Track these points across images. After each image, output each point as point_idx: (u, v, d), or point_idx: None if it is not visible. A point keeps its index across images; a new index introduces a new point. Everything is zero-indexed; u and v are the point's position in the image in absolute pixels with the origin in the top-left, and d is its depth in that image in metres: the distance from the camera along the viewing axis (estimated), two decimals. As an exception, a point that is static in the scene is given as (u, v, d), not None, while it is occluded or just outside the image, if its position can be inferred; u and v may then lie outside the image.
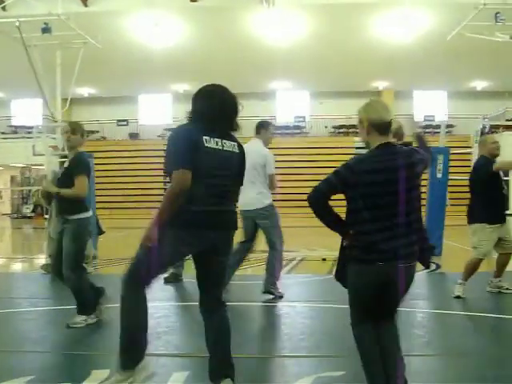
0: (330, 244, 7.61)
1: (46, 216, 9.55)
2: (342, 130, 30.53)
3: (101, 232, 11.18)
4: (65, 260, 5.32)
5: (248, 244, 6.99)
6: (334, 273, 3.48)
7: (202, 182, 3.35)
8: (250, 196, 6.54)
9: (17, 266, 11.14)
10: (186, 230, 3.36)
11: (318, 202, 3.27)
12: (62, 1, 15.89)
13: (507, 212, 6.82)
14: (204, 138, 3.38)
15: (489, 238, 6.54)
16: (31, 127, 25.16)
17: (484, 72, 27.42)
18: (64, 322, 5.37)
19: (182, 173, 3.28)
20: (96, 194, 12.11)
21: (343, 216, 3.27)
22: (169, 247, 3.38)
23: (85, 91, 30.76)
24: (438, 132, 15.90)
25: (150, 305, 3.60)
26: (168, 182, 3.51)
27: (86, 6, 21.27)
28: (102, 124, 31.10)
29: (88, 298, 5.46)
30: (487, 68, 26.07)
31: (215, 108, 3.47)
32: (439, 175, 10.64)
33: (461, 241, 6.86)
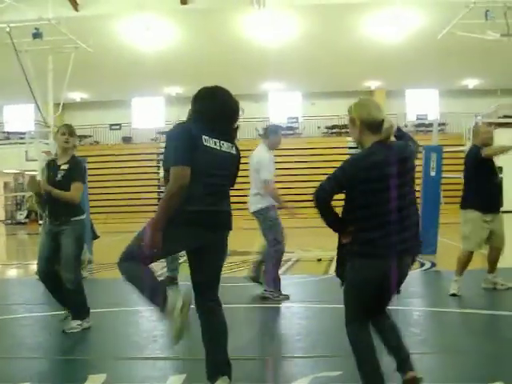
0: (324, 244, 7.64)
1: (41, 222, 9.53)
2: (334, 130, 30.58)
3: (95, 237, 11.16)
4: (66, 262, 5.32)
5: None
6: (334, 270, 3.49)
7: (199, 181, 3.34)
8: (249, 198, 6.86)
9: (12, 272, 11.10)
10: (180, 228, 3.34)
11: (325, 200, 3.25)
12: (53, 5, 15.88)
13: (504, 209, 6.83)
14: (203, 137, 3.38)
15: (478, 227, 6.54)
16: (24, 133, 25.14)
17: (475, 70, 27.52)
18: (59, 327, 5.36)
19: (181, 169, 3.27)
20: (90, 199, 12.09)
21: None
22: (163, 243, 3.30)
23: (77, 96, 30.71)
24: (431, 131, 15.93)
25: (145, 308, 3.60)
26: (163, 186, 3.50)
27: (76, 10, 21.22)
28: (94, 128, 31.06)
29: (84, 301, 5.46)
30: (479, 66, 26.17)
31: (215, 109, 3.49)
32: (433, 173, 10.67)
33: (455, 238, 6.88)
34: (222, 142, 3.49)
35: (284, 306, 6.55)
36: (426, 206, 10.46)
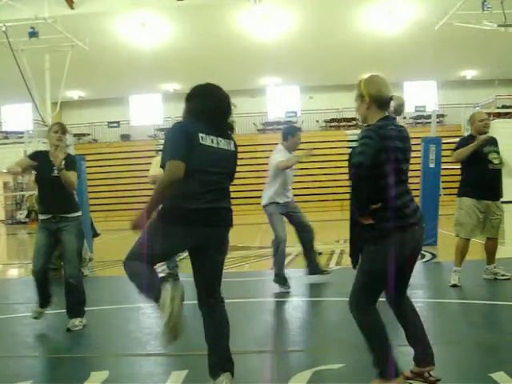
0: (325, 238, 7.65)
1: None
2: (333, 124, 30.57)
3: (96, 234, 11.16)
4: (71, 258, 5.38)
5: (301, 236, 7.38)
6: (352, 260, 3.48)
7: (197, 179, 3.35)
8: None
9: (13, 272, 11.10)
10: (180, 227, 3.35)
11: (364, 176, 3.16)
12: (49, 4, 15.86)
13: (504, 199, 6.79)
14: (200, 135, 3.39)
15: (471, 213, 6.55)
16: (22, 132, 25.13)
17: (473, 61, 27.51)
18: (60, 325, 5.36)
19: (175, 164, 3.27)
20: (90, 197, 12.09)
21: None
22: (163, 242, 3.36)
23: (74, 94, 30.69)
24: (429, 122, 15.94)
25: (146, 305, 3.60)
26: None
27: (72, 8, 21.19)
28: (92, 126, 31.05)
29: (85, 298, 5.51)
30: (476, 57, 26.17)
31: (210, 106, 3.50)
32: (432, 165, 10.66)
33: (456, 228, 6.86)
34: (219, 139, 3.49)
35: (285, 299, 6.56)
36: (425, 198, 10.45)
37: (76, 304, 5.42)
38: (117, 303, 6.41)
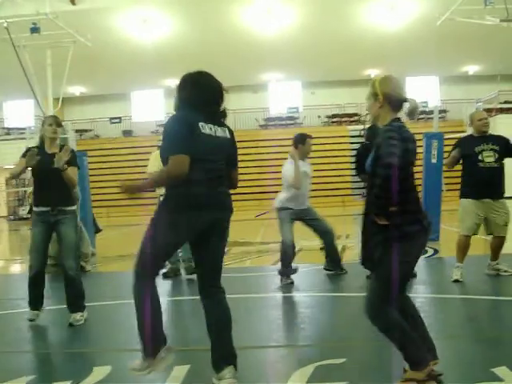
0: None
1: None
2: (335, 120, 30.54)
3: (98, 230, 11.19)
4: (69, 250, 5.40)
5: (322, 239, 7.54)
6: (363, 261, 3.45)
7: (199, 167, 3.39)
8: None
9: (15, 268, 11.13)
10: (185, 212, 3.40)
11: (394, 177, 3.11)
12: (50, 0, 15.81)
13: (508, 195, 6.79)
14: (199, 124, 3.42)
15: (469, 212, 6.60)
16: (24, 128, 25.14)
17: (475, 56, 27.45)
18: (62, 320, 5.38)
19: (179, 158, 3.30)
20: (92, 193, 12.10)
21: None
22: (169, 232, 3.42)
23: (76, 90, 30.69)
24: (432, 118, 15.91)
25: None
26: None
27: (73, 4, 21.18)
28: (94, 122, 31.06)
29: (84, 291, 5.52)
30: (478, 52, 26.10)
31: (206, 95, 3.53)
32: (434, 160, 10.66)
33: (457, 225, 6.87)
34: (215, 126, 3.53)
35: (288, 295, 6.58)
36: (427, 193, 10.45)
37: (76, 298, 5.43)
38: (119, 298, 6.41)
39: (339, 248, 7.98)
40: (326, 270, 7.58)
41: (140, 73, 26.78)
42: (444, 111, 28.13)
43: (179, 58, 25.36)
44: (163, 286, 7.03)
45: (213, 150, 3.49)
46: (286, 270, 7.16)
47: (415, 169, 3.40)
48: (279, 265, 7.31)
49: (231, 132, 3.70)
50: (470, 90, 28.63)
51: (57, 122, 5.53)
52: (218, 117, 3.60)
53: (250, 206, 25.38)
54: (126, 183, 3.49)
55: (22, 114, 30.67)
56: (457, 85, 30.32)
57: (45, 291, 5.58)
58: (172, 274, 7.70)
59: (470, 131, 7.10)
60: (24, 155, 5.34)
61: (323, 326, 5.25)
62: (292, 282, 7.07)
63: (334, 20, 23.05)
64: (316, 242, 10.17)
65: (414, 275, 6.52)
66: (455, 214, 6.86)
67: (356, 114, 29.19)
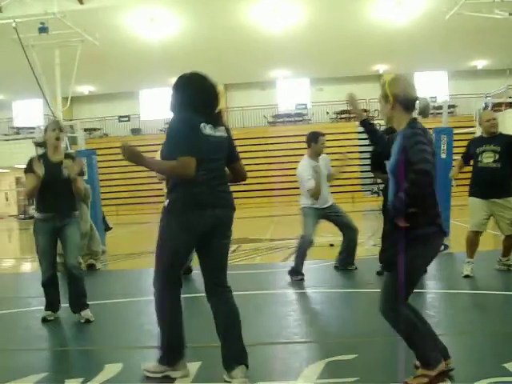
0: (336, 230, 7.64)
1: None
2: (343, 116, 30.45)
3: (108, 228, 11.23)
4: (73, 250, 5.46)
5: (345, 235, 7.52)
6: (383, 261, 3.42)
7: (202, 167, 3.45)
8: None
9: (26, 267, 11.19)
10: (190, 212, 3.47)
11: (430, 184, 3.16)
12: (58, -1, 15.85)
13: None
14: (201, 125, 3.51)
15: (476, 209, 6.66)
16: (33, 128, 25.21)
17: (484, 50, 27.26)
18: (73, 318, 5.41)
19: (186, 160, 3.36)
20: (101, 191, 12.14)
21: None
22: (180, 233, 3.50)
23: (85, 89, 30.76)
24: (441, 113, 15.85)
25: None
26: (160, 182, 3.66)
27: (81, 3, 21.20)
28: (103, 121, 31.13)
29: (85, 289, 5.57)
30: (487, 46, 25.93)
31: (203, 95, 3.60)
32: (443, 156, 10.60)
33: (467, 221, 6.85)
34: (215, 127, 3.60)
35: (297, 291, 6.58)
36: (437, 189, 10.35)
37: (80, 297, 5.46)
38: (129, 296, 6.45)
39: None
40: (338, 267, 7.55)
41: (148, 71, 26.80)
42: (453, 106, 27.98)
43: (187, 57, 25.38)
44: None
45: (214, 150, 3.55)
46: (300, 267, 7.13)
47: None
48: (291, 261, 7.30)
49: (228, 129, 3.75)
50: (478, 84, 28.47)
51: (59, 126, 5.54)
52: (215, 117, 3.64)
53: (259, 202, 25.40)
54: (130, 148, 3.53)
55: (31, 113, 30.78)
56: (465, 79, 30.15)
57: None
58: (184, 271, 7.73)
59: (479, 131, 7.09)
60: (29, 170, 5.33)
61: (333, 322, 5.24)
62: (303, 278, 7.06)
63: (341, 16, 22.96)
64: (326, 239, 10.18)
65: (425, 271, 6.50)
66: (465, 210, 6.86)
67: (365, 110, 29.04)
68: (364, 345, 4.31)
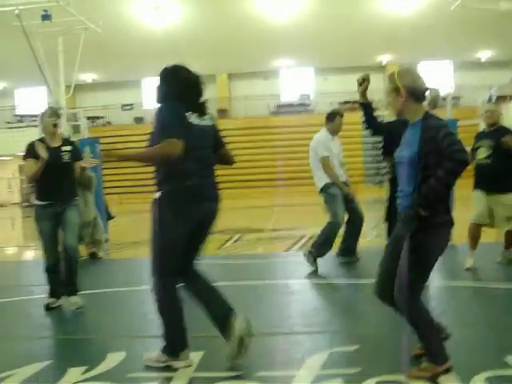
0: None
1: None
2: (347, 106, 30.34)
3: (110, 217, 11.24)
4: (72, 231, 5.49)
5: (352, 222, 7.36)
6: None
7: (192, 156, 3.53)
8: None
9: (29, 254, 11.22)
10: (186, 204, 3.55)
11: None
12: (61, -14, 15.77)
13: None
14: (187, 114, 3.59)
15: (478, 202, 6.67)
16: (36, 115, 25.18)
17: (489, 42, 27.13)
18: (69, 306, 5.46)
19: (172, 141, 3.41)
20: (104, 180, 12.14)
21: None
22: (178, 226, 3.58)
23: (88, 77, 30.68)
24: (445, 104, 15.78)
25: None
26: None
27: (85, -9, 21.11)
28: (106, 109, 31.07)
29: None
30: (492, 37, 25.79)
31: (188, 87, 3.68)
32: (447, 147, 10.58)
33: (471, 213, 6.84)
34: (201, 116, 3.69)
35: (299, 282, 6.58)
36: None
37: (74, 279, 5.50)
38: (132, 285, 6.46)
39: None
40: (340, 257, 7.50)
41: (151, 60, 26.59)
42: (457, 98, 27.88)
43: (190, 45, 25.33)
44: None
45: (201, 138, 3.64)
46: (323, 252, 7.04)
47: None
48: (294, 251, 7.26)
49: (213, 118, 3.85)
50: (483, 76, 28.33)
51: (56, 113, 5.55)
52: (201, 107, 3.72)
53: (262, 192, 25.39)
54: (110, 153, 3.68)
55: (34, 101, 30.73)
56: (470, 71, 30.01)
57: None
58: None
59: (482, 123, 7.06)
60: (29, 156, 5.34)
61: (336, 312, 5.26)
62: (316, 270, 6.96)
63: (346, 6, 22.84)
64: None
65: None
66: (468, 202, 6.85)
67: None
68: (366, 336, 4.31)
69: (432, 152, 3.15)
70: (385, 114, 10.57)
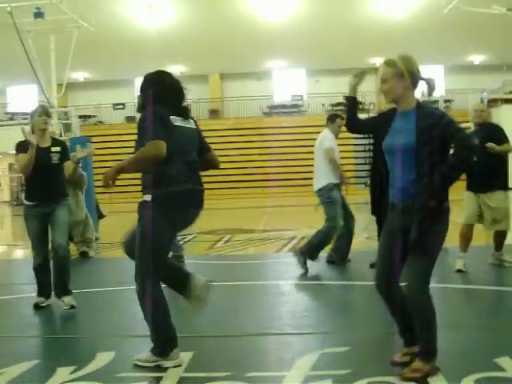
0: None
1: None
2: (339, 108, 30.38)
3: (101, 216, 11.20)
4: (62, 229, 5.41)
5: (346, 223, 7.25)
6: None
7: (179, 160, 3.58)
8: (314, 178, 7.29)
9: (18, 253, 11.16)
10: (178, 209, 3.60)
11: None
12: (54, -16, 15.72)
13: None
14: (171, 118, 3.62)
15: (469, 203, 6.70)
16: (28, 113, 25.06)
17: (481, 45, 27.23)
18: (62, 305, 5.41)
19: (157, 143, 3.44)
20: (95, 179, 12.09)
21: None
22: (168, 230, 3.66)
23: (80, 76, 30.56)
24: (437, 107, 15.83)
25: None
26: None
27: (78, -12, 21.03)
28: (98, 108, 30.97)
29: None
30: (484, 41, 25.89)
31: (171, 92, 3.73)
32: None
33: (460, 215, 6.86)
34: (184, 120, 3.74)
35: (290, 282, 6.57)
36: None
37: (66, 279, 5.39)
38: (122, 284, 6.42)
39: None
40: (330, 261, 7.47)
41: (144, 59, 26.56)
42: (449, 101, 27.98)
43: (183, 45, 25.31)
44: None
45: (187, 141, 3.68)
46: (316, 255, 7.01)
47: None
48: (284, 252, 7.25)
49: (196, 122, 3.90)
50: (475, 79, 28.41)
51: (46, 112, 5.50)
52: (184, 111, 3.78)
53: (253, 193, 25.38)
54: (105, 175, 3.64)
55: (26, 99, 30.58)
56: (462, 74, 30.11)
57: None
58: (174, 261, 7.70)
59: (473, 126, 7.07)
60: (21, 151, 5.29)
61: (326, 313, 5.26)
62: (306, 272, 6.91)
63: (339, 8, 22.88)
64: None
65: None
66: (459, 204, 6.86)
67: (360, 103, 29.02)
68: (357, 337, 4.31)
69: (434, 139, 3.18)
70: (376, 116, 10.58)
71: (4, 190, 31.50)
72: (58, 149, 5.45)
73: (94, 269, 8.13)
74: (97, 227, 10.47)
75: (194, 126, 3.83)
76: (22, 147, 5.31)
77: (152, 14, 22.69)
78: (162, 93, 3.68)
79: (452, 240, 7.34)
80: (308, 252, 6.99)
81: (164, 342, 3.70)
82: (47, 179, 5.33)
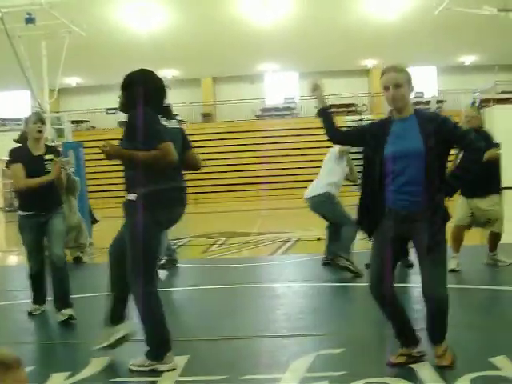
0: (324, 224, 7.64)
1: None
2: (331, 110, 30.39)
3: (95, 221, 11.18)
4: (58, 239, 5.32)
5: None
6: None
7: None
8: (315, 184, 7.41)
9: (12, 259, 11.12)
10: (166, 207, 3.62)
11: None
12: (45, -11, 15.69)
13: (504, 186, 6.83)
14: (159, 117, 3.67)
15: (461, 206, 6.76)
16: (20, 119, 25.02)
17: (473, 46, 27.33)
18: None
19: (169, 145, 3.47)
20: (88, 184, 12.09)
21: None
22: (156, 229, 3.65)
23: (72, 81, 30.51)
24: (429, 108, 15.89)
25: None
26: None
27: (69, -6, 21.00)
28: (91, 113, 30.92)
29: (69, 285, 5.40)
30: (476, 42, 26.00)
31: (155, 91, 3.75)
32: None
33: (455, 216, 6.87)
34: (168, 119, 3.79)
35: (286, 285, 6.58)
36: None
37: (66, 291, 5.25)
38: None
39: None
40: (326, 263, 7.43)
41: (136, 63, 26.01)
42: (441, 101, 28.08)
43: (176, 49, 25.31)
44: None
45: (172, 141, 3.63)
46: (339, 260, 6.84)
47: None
48: (278, 255, 7.24)
49: (179, 121, 3.99)
50: (467, 80, 28.54)
51: (41, 119, 5.43)
52: (167, 110, 3.81)
53: (247, 196, 25.37)
54: (108, 150, 3.65)
55: (18, 104, 30.51)
56: (454, 75, 30.21)
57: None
58: (169, 265, 7.68)
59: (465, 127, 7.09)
60: (15, 160, 5.24)
61: (322, 315, 5.25)
62: (357, 272, 6.70)
63: (331, 10, 22.92)
64: (313, 233, 10.20)
65: (411, 265, 6.54)
66: (451, 206, 6.88)
67: (353, 105, 29.09)
68: (352, 338, 4.31)
69: (441, 142, 3.24)
70: (369, 118, 10.62)
71: (-3, 196, 31.35)
72: (51, 156, 5.36)
73: (88, 274, 8.11)
74: (90, 232, 10.44)
75: (178, 126, 3.87)
76: (16, 155, 5.26)
77: (144, 18, 22.68)
78: (148, 92, 3.67)
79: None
80: (345, 254, 6.81)
81: (160, 343, 3.69)
82: (42, 188, 5.21)
